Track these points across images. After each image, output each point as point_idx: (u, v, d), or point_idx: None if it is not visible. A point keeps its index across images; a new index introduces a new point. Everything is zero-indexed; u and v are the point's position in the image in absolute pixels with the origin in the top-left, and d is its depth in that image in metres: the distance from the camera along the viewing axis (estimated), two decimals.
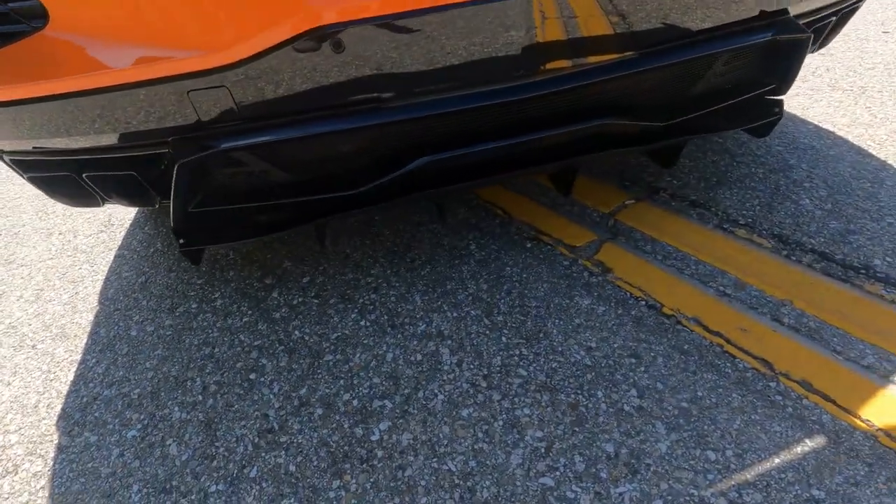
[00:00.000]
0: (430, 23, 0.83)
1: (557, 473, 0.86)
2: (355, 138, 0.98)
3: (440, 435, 0.95)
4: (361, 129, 0.95)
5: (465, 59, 0.89)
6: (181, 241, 1.14)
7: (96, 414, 1.10)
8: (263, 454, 0.96)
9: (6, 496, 0.98)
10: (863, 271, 1.15)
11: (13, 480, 1.00)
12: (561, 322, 1.13)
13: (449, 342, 1.13)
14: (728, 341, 1.04)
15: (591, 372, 1.02)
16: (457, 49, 0.87)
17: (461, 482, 0.87)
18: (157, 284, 1.46)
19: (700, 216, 1.39)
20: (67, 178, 1.07)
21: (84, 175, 1.06)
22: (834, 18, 1.25)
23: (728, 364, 1.00)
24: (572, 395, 0.98)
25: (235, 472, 0.94)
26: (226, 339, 1.24)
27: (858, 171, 1.48)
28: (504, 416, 0.96)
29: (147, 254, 1.59)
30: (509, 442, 0.92)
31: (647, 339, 1.07)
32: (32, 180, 1.12)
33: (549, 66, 0.94)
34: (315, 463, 0.93)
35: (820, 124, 1.74)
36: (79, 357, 1.26)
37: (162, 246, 1.61)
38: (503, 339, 1.12)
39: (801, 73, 2.10)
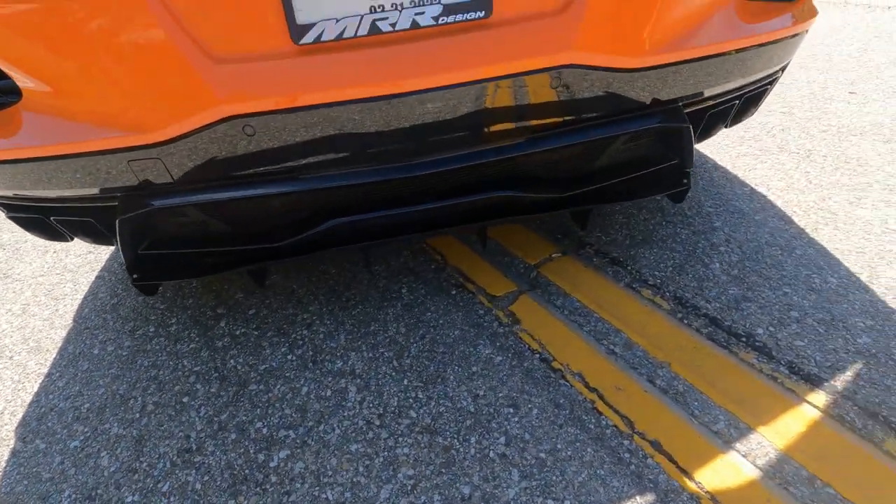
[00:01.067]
0: (321, 114, 0.98)
1: None
2: (271, 201, 1.13)
3: (327, 466, 1.07)
4: (275, 195, 1.10)
5: (359, 141, 1.03)
6: (134, 276, 1.31)
7: (49, 424, 1.27)
8: (177, 471, 1.11)
9: None
10: (743, 339, 1.25)
11: None
12: (459, 369, 1.26)
13: (358, 381, 1.26)
14: (601, 398, 1.15)
15: (472, 418, 1.13)
16: (351, 132, 1.02)
17: None
18: (126, 307, 1.63)
19: (615, 274, 1.50)
20: (39, 219, 1.25)
21: (52, 218, 1.24)
22: (737, 102, 1.36)
23: (593, 420, 1.10)
24: (449, 439, 1.10)
25: (151, 485, 1.09)
26: (171, 362, 1.39)
27: (775, 237, 1.57)
28: (386, 453, 1.08)
29: (123, 276, 1.77)
30: (383, 477, 1.04)
31: (530, 390, 1.18)
32: (12, 219, 1.30)
33: (437, 148, 1.08)
34: (218, 483, 1.07)
35: (756, 187, 1.83)
36: (46, 370, 1.44)
37: None
38: (405, 381, 1.24)
39: (755, 133, 2.19)
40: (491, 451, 1.06)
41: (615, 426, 1.08)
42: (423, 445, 1.09)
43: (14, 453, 1.21)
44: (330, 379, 1.28)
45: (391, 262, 1.67)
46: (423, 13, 0.94)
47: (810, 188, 1.79)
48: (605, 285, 1.47)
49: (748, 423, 1.06)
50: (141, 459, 1.14)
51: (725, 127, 1.47)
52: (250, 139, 1.00)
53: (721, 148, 2.11)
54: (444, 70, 0.98)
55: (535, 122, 1.10)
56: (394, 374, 1.27)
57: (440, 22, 0.96)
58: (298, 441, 1.14)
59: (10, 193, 1.24)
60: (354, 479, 1.04)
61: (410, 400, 1.19)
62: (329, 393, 1.24)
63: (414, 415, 1.16)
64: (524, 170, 1.20)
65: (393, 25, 0.95)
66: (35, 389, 1.38)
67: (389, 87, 0.98)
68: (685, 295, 1.40)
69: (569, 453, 1.04)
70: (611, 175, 1.31)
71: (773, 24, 1.21)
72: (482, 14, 0.96)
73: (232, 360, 1.37)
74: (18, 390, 1.38)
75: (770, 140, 2.13)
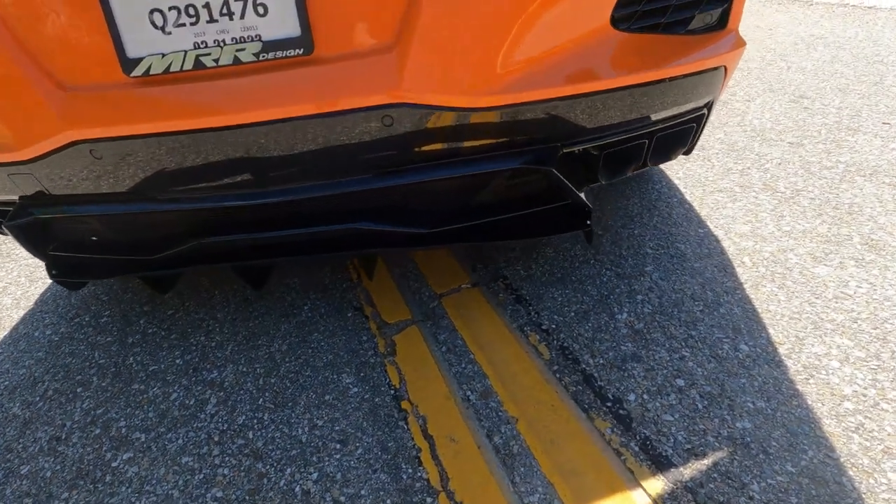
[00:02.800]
0: (158, 142, 1.02)
1: None
2: (136, 219, 1.20)
3: (155, 475, 1.13)
4: (137, 213, 1.17)
5: (201, 168, 1.07)
6: (53, 272, 1.45)
7: None
8: (40, 457, 1.22)
9: None
10: (608, 404, 1.14)
11: None
12: (314, 395, 1.26)
13: (221, 394, 1.31)
14: (431, 448, 1.10)
15: (299, 449, 1.13)
16: (191, 160, 1.06)
17: None
18: (78, 296, 1.80)
19: (513, 313, 1.43)
20: None
21: None
22: (646, 142, 1.24)
23: (410, 470, 1.06)
24: (268, 467, 1.11)
25: (15, 467, 1.20)
26: (86, 352, 1.52)
27: (705, 290, 1.41)
28: (208, 471, 1.12)
29: None
30: (194, 495, 1.07)
31: (367, 428, 1.16)
32: None
33: (281, 179, 1.09)
34: (65, 474, 1.16)
35: (714, 230, 1.65)
36: None
37: None
38: (261, 400, 1.27)
39: (745, 166, 1.97)
40: (298, 486, 1.06)
41: (427, 480, 1.04)
42: (242, 469, 1.11)
43: None
44: (200, 388, 1.33)
45: (310, 275, 1.70)
46: (243, 49, 0.95)
47: (775, 236, 1.58)
48: (497, 325, 1.40)
49: (564, 500, 0.97)
50: (20, 441, 1.27)
51: (646, 165, 1.33)
52: (100, 161, 1.07)
53: (699, 181, 1.92)
54: (268, 105, 0.99)
55: (376, 158, 1.07)
56: (254, 391, 1.30)
57: (261, 58, 0.96)
58: (144, 445, 1.20)
59: None
60: (169, 492, 1.09)
61: (255, 421, 1.22)
62: (192, 402, 1.30)
63: (251, 436, 1.18)
64: (381, 203, 1.17)
65: (216, 61, 0.96)
66: None
67: (215, 119, 1.00)
68: (572, 346, 1.29)
69: (367, 502, 1.01)
70: (488, 212, 1.24)
71: (669, 61, 1.09)
72: (302, 51, 0.95)
73: (132, 358, 1.47)
74: None
75: (758, 175, 1.90)
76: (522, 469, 1.03)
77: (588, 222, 1.27)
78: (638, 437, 1.06)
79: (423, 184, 1.13)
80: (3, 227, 1.22)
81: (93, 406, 1.34)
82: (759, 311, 1.32)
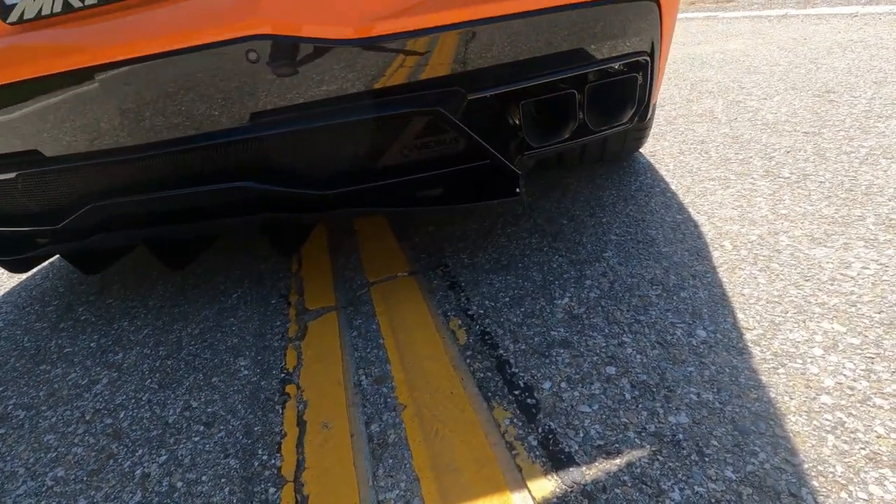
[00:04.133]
0: (43, 86, 0.99)
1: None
2: (29, 183, 1.17)
3: (13, 451, 1.03)
4: (26, 177, 1.14)
5: (91, 118, 1.02)
6: None
7: None
8: None
9: None
10: (517, 392, 0.93)
11: None
12: (202, 377, 1.13)
13: (115, 375, 1.21)
14: (300, 435, 0.93)
15: (161, 430, 1.00)
16: (80, 108, 1.01)
17: None
18: (41, 287, 1.82)
19: (443, 299, 1.25)
20: None
21: None
22: (575, 92, 1.08)
23: (265, 457, 0.89)
24: (120, 447, 0.98)
25: None
26: (19, 337, 1.50)
27: (668, 274, 1.18)
28: (63, 449, 1.00)
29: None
30: (38, 472, 0.96)
31: (239, 411, 1.01)
32: None
33: (162, 128, 1.02)
34: None
35: (695, 216, 1.42)
36: None
37: None
38: (148, 381, 1.16)
39: (747, 155, 1.73)
40: (140, 469, 0.92)
41: (279, 469, 0.86)
42: (95, 449, 0.99)
43: None
44: (98, 369, 1.25)
45: (250, 265, 1.61)
46: None
47: (767, 219, 1.32)
48: (421, 311, 1.23)
49: (426, 499, 0.76)
50: None
51: (589, 130, 1.16)
52: None
53: (690, 171, 1.70)
54: (138, 41, 0.94)
55: (247, 103, 0.98)
56: (147, 372, 1.19)
57: None
58: (19, 423, 1.11)
59: None
60: (15, 470, 0.98)
61: (132, 401, 1.10)
62: (85, 382, 1.21)
63: (121, 416, 1.06)
64: (268, 159, 1.08)
65: (83, 1, 0.94)
66: None
67: (85, 59, 0.96)
68: (495, 331, 1.10)
69: (204, 489, 0.85)
70: (398, 173, 1.11)
71: None
72: None
73: (54, 341, 1.43)
74: None
75: (761, 163, 1.65)
76: (391, 461, 0.84)
77: (517, 189, 1.11)
78: (540, 430, 0.84)
79: (314, 136, 1.03)
80: None
81: None
82: (730, 294, 1.07)
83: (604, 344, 1.00)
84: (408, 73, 0.97)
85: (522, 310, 1.15)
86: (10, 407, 1.18)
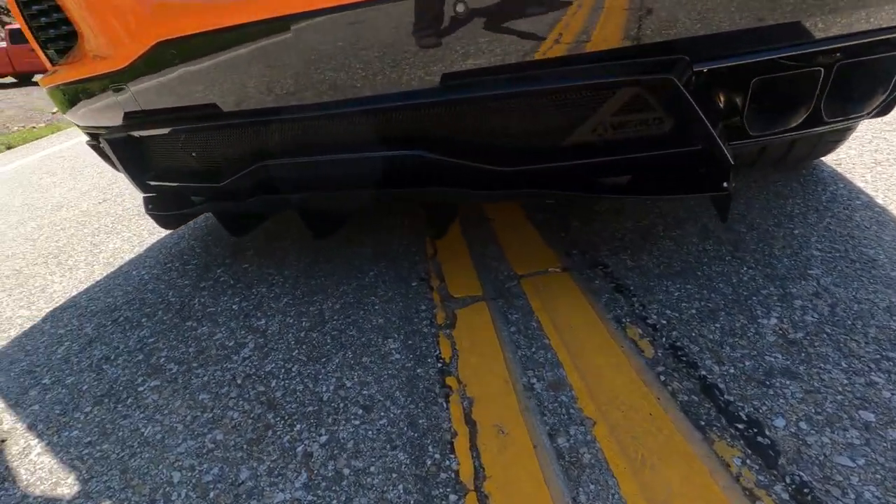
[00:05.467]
0: (245, 36, 0.96)
1: (191, 475, 0.84)
2: (204, 138, 1.16)
3: (169, 405, 1.02)
4: (202, 131, 1.13)
5: (280, 75, 0.98)
6: (149, 206, 1.51)
7: (66, 316, 1.52)
8: (85, 373, 1.19)
9: None
10: (739, 426, 0.76)
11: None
12: (351, 355, 1.07)
13: (260, 340, 1.18)
14: (471, 436, 0.83)
15: (317, 406, 0.94)
16: (272, 64, 0.97)
17: (138, 445, 0.92)
18: (178, 246, 1.88)
19: (611, 302, 1.11)
20: (96, 145, 1.54)
21: (101, 144, 1.51)
22: (820, 70, 0.89)
23: (438, 456, 0.80)
24: (277, 419, 0.93)
25: (66, 375, 1.19)
26: (164, 291, 1.54)
27: None
28: (217, 412, 0.97)
29: (202, 226, 2.06)
30: (195, 433, 0.93)
31: (399, 399, 0.93)
32: (88, 145, 1.64)
33: (333, 86, 0.96)
34: (97, 391, 1.11)
35: None
36: (99, 276, 1.73)
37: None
38: (295, 352, 1.11)
39: None
40: (301, 446, 0.86)
41: (456, 472, 0.76)
42: (251, 416, 0.94)
43: (31, 328, 1.47)
44: (243, 332, 1.23)
45: (384, 245, 1.55)
46: None
47: None
48: (586, 312, 1.09)
49: None
50: (80, 355, 1.27)
51: (819, 121, 0.96)
52: (176, 68, 1.05)
53: None
54: None
55: (451, 62, 0.89)
56: (292, 342, 1.15)
57: None
58: (171, 377, 1.11)
59: (80, 123, 1.56)
60: (174, 425, 0.96)
61: (282, 371, 1.06)
62: (232, 344, 1.19)
63: (272, 385, 1.02)
64: (445, 127, 0.98)
65: None
66: (82, 289, 1.67)
67: (282, 7, 0.91)
68: (689, 347, 0.94)
69: (375, 481, 0.77)
70: (587, 153, 0.98)
71: None
72: None
73: (197, 299, 1.44)
74: (73, 288, 1.70)
75: None
76: (593, 487, 0.71)
77: (725, 184, 0.94)
78: (789, 481, 0.67)
79: (503, 105, 0.93)
80: (101, 140, 1.28)
81: (148, 335, 1.30)
82: None
83: (846, 381, 0.81)
84: (623, 35, 0.83)
85: (718, 326, 0.98)
86: (163, 360, 1.18)
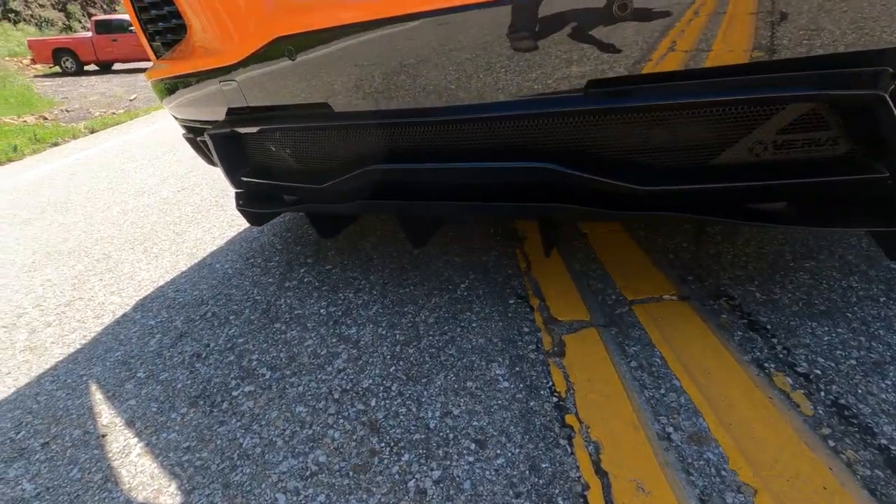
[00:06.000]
0: (369, 35, 0.90)
1: (296, 500, 0.79)
2: (308, 139, 1.11)
3: (266, 416, 0.98)
4: (307, 131, 1.09)
5: (400, 77, 0.92)
6: (240, 202, 1.49)
7: (151, 304, 1.53)
8: (179, 368, 1.18)
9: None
10: None
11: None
12: (454, 378, 1.00)
13: (354, 351, 1.13)
14: (605, 490, 0.74)
15: (424, 435, 0.87)
16: (393, 65, 0.91)
17: (238, 457, 0.88)
18: (259, 241, 1.88)
19: (744, 341, 0.98)
20: (193, 139, 1.55)
21: (198, 139, 1.51)
22: None
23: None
24: (382, 445, 0.86)
25: (159, 370, 1.18)
26: (247, 288, 1.53)
27: None
28: (317, 429, 0.92)
29: (279, 221, 2.06)
30: (296, 451, 0.88)
31: (515, 436, 0.84)
32: (185, 138, 1.65)
33: (483, 91, 0.88)
34: (190, 390, 1.09)
35: None
36: (184, 268, 1.75)
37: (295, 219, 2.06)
38: (392, 368, 1.05)
39: None
40: (412, 481, 0.79)
41: None
42: (354, 438, 0.89)
43: (123, 315, 1.49)
44: (334, 340, 1.18)
45: (473, 255, 1.48)
46: None
47: None
48: (717, 352, 0.97)
49: None
50: (171, 350, 1.27)
51: None
52: (290, 65, 1.01)
53: None
54: None
55: (600, 66, 0.79)
56: (388, 357, 1.09)
57: None
58: (266, 383, 1.07)
59: (180, 116, 1.57)
60: (273, 440, 0.92)
61: (380, 388, 1.00)
62: (324, 352, 1.15)
63: (372, 404, 0.96)
64: (580, 139, 0.88)
65: None
66: (168, 279, 1.69)
67: (403, 6, 0.84)
68: (857, 408, 0.80)
69: None
70: (745, 175, 0.86)
71: None
72: None
73: (283, 300, 1.42)
74: (160, 277, 1.72)
75: None
76: None
77: None
78: None
79: (650, 115, 0.82)
80: (206, 134, 1.27)
81: (237, 334, 1.28)
82: None
83: None
84: (810, 42, 0.71)
85: (890, 384, 0.84)
86: (255, 363, 1.15)
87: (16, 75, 8.96)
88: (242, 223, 2.12)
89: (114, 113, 6.91)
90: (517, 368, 1.00)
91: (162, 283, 1.66)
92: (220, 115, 1.31)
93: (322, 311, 1.32)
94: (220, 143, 1.27)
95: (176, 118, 1.64)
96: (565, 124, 0.87)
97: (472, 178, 1.00)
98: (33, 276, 1.83)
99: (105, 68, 11.85)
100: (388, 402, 0.96)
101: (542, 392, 0.93)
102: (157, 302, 1.53)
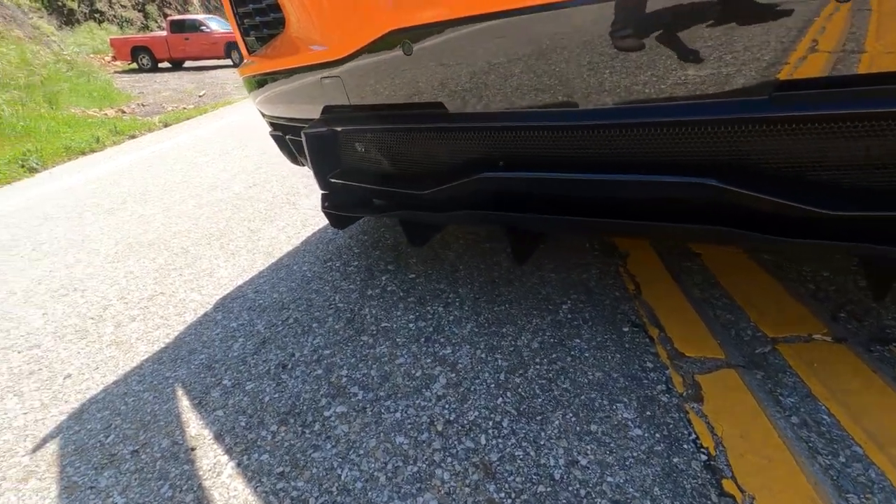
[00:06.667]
0: (499, 28, 0.80)
1: None
2: (415, 142, 1.02)
3: (364, 444, 0.89)
4: (414, 133, 0.99)
5: (531, 74, 0.81)
6: (325, 204, 1.43)
7: (232, 304, 1.50)
8: (265, 379, 1.12)
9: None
10: None
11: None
12: (574, 419, 0.87)
13: (452, 375, 1.03)
14: None
15: (549, 487, 0.75)
16: (524, 61, 0.81)
17: (337, 491, 0.80)
18: (336, 242, 1.83)
19: None
20: (281, 137, 1.50)
21: (287, 137, 1.46)
22: None
23: None
24: (500, 495, 0.75)
25: (244, 379, 1.13)
26: (328, 293, 1.46)
27: None
28: (423, 466, 0.83)
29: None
30: (402, 491, 0.79)
31: (662, 502, 0.71)
32: (271, 136, 1.60)
33: (645, 90, 0.76)
34: (279, 405, 1.03)
35: None
36: (261, 267, 1.72)
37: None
38: (499, 399, 0.94)
39: None
40: None
41: None
42: (466, 483, 0.78)
43: (204, 314, 1.46)
44: (429, 361, 1.09)
45: (570, 271, 1.35)
46: None
47: None
48: None
49: None
50: (255, 357, 1.21)
51: None
52: (407, 61, 0.92)
53: None
54: None
55: (780, 68, 0.65)
56: (493, 386, 0.98)
57: None
58: (360, 405, 0.99)
59: (268, 113, 1.53)
60: (375, 475, 0.83)
61: (490, 424, 0.89)
62: (419, 374, 1.05)
63: (482, 442, 0.86)
64: (760, 152, 0.74)
65: None
66: (247, 278, 1.66)
67: None
68: None
69: None
70: None
71: None
72: None
73: (367, 309, 1.34)
74: (238, 275, 1.69)
75: None
76: None
77: None
78: None
79: (851, 126, 0.67)
80: (302, 133, 1.21)
81: (322, 345, 1.21)
82: None
83: None
84: None
85: None
86: (344, 380, 1.08)
87: (98, 71, 9.56)
88: (316, 222, 2.08)
89: (184, 108, 7.21)
90: (648, 413, 0.87)
91: (241, 282, 1.63)
92: (313, 113, 1.24)
93: (411, 325, 1.23)
94: (315, 142, 1.20)
95: (263, 115, 1.60)
96: (735, 133, 0.73)
97: (605, 192, 0.87)
98: (117, 267, 1.86)
99: (177, 65, 12.45)
100: (500, 441, 0.85)
101: (685, 446, 0.80)
102: (237, 303, 1.50)
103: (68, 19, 12.39)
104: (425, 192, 1.07)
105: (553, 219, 0.95)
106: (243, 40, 1.49)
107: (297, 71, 1.18)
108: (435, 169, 1.08)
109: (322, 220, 2.09)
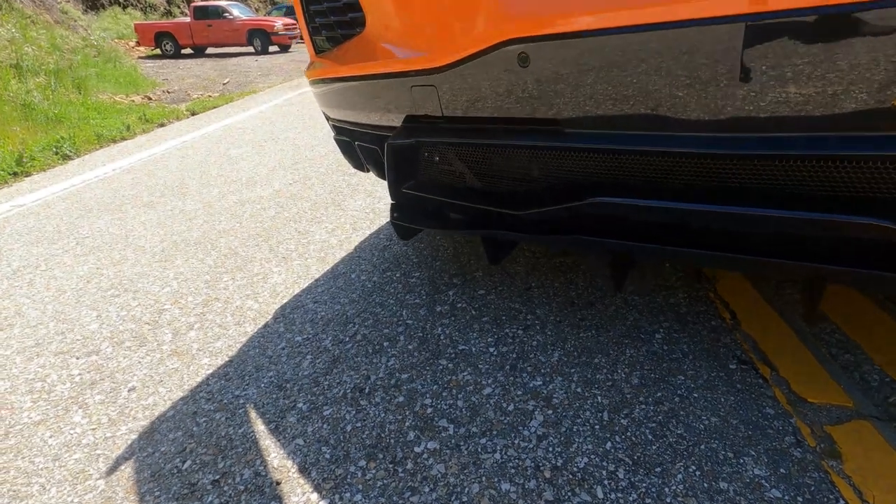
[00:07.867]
0: (635, 42, 0.72)
1: None
2: (520, 159, 0.94)
3: (466, 489, 0.83)
4: (521, 150, 0.92)
5: (661, 92, 0.73)
6: (394, 214, 1.36)
7: (294, 316, 1.44)
8: (343, 404, 1.06)
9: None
10: None
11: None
12: (698, 473, 0.80)
13: (549, 412, 0.96)
14: None
15: None
16: (653, 79, 0.73)
17: None
18: (392, 251, 1.76)
19: None
20: (348, 143, 1.43)
21: (356, 143, 1.38)
22: None
23: None
24: None
25: (320, 403, 1.07)
26: (394, 308, 1.40)
27: None
28: None
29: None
30: None
31: None
32: (336, 140, 1.54)
33: (786, 116, 0.68)
34: (364, 436, 0.97)
35: None
36: (317, 276, 1.66)
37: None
38: (608, 445, 0.87)
39: None
40: None
41: None
42: None
43: (265, 325, 1.41)
44: (520, 393, 1.02)
45: (655, 295, 1.27)
46: None
47: None
48: None
49: None
50: (327, 377, 1.15)
51: None
52: (522, 72, 0.84)
53: None
54: None
55: None
56: (597, 427, 0.91)
57: None
58: (453, 441, 0.93)
59: (335, 116, 1.46)
60: None
61: (604, 473, 0.82)
62: (511, 408, 0.99)
63: (599, 495, 0.79)
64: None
65: None
66: (303, 286, 1.61)
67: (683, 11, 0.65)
68: None
69: None
70: None
71: None
72: None
73: (440, 328, 1.27)
74: (293, 282, 1.64)
75: None
76: None
77: None
78: None
79: None
80: (386, 143, 1.13)
81: (398, 367, 1.15)
82: None
83: None
84: None
85: None
86: (430, 410, 1.01)
87: (124, 56, 9.56)
88: (365, 226, 2.01)
89: (210, 95, 7.18)
90: (782, 470, 0.79)
91: (297, 290, 1.57)
92: (391, 120, 1.17)
93: (492, 349, 1.17)
94: (397, 152, 1.13)
95: (328, 118, 1.53)
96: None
97: (740, 226, 0.79)
98: (166, 268, 1.81)
99: (199, 52, 12.44)
100: (620, 496, 0.78)
101: None
102: (297, 313, 1.44)
103: (94, 3, 12.42)
104: (523, 213, 0.99)
105: (687, 252, 0.86)
106: (311, 40, 1.41)
107: (382, 76, 1.10)
108: (532, 188, 1.00)
109: (371, 224, 2.03)
